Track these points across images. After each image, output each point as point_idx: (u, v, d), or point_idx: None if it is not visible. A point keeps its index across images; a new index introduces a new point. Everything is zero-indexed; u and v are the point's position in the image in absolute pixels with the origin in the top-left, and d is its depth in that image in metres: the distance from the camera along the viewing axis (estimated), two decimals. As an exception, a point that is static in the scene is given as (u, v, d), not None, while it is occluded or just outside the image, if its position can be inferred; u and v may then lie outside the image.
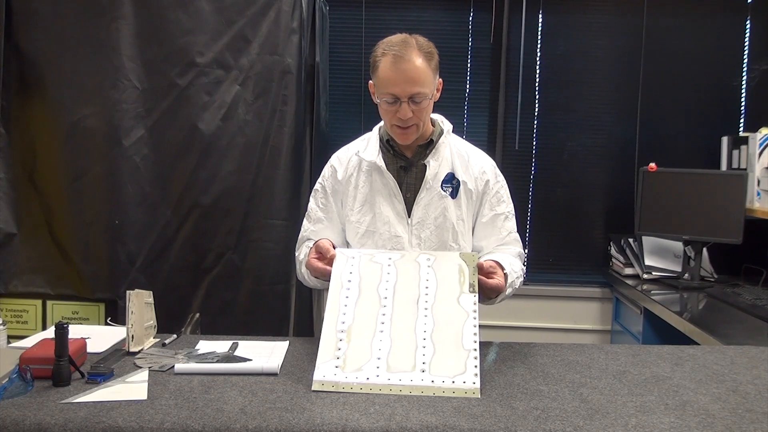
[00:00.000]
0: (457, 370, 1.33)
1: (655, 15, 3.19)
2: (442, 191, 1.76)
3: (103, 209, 2.51)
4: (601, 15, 3.23)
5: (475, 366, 1.34)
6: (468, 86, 3.27)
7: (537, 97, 3.27)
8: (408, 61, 1.63)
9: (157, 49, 2.50)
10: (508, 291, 1.69)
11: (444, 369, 1.34)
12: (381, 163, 1.77)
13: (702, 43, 3.19)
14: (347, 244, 1.83)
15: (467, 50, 3.25)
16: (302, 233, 1.87)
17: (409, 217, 1.76)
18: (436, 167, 1.77)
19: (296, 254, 1.87)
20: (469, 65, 3.26)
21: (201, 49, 2.50)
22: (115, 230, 2.51)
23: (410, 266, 1.56)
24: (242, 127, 2.54)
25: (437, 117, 1.86)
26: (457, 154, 1.82)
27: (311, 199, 1.88)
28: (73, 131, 2.50)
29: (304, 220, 1.88)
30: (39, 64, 2.50)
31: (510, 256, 1.77)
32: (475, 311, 1.45)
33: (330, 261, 1.59)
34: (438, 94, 1.74)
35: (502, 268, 1.62)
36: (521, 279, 1.80)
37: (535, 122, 3.28)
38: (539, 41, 3.24)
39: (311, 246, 1.72)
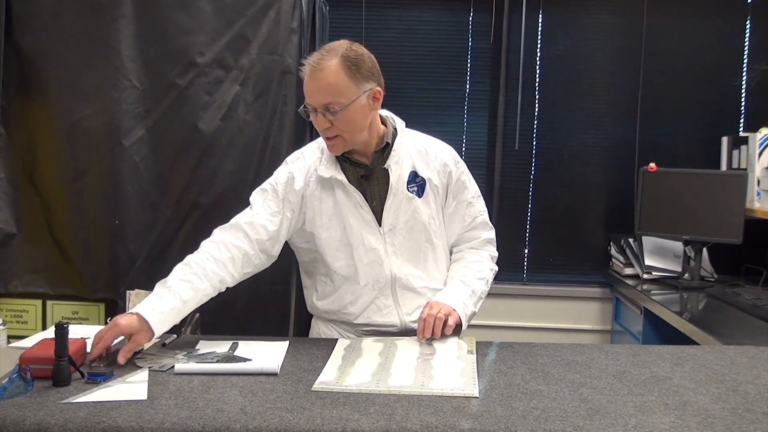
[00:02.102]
0: (455, 383, 1.36)
1: (655, 15, 3.19)
2: (408, 193, 1.74)
3: (103, 209, 2.51)
4: (601, 15, 3.24)
5: (474, 384, 1.35)
6: (468, 86, 3.27)
7: (537, 97, 3.27)
8: (321, 70, 1.59)
9: (157, 49, 2.50)
10: (478, 306, 1.76)
11: (442, 382, 1.36)
12: (341, 176, 1.71)
13: (702, 43, 3.19)
14: (308, 262, 1.87)
15: (467, 50, 3.25)
16: (235, 218, 1.74)
17: (380, 225, 1.74)
18: (398, 170, 1.73)
19: (215, 231, 1.73)
20: (469, 65, 3.26)
21: (201, 49, 2.50)
22: (115, 230, 2.51)
23: (410, 343, 1.62)
24: (242, 127, 2.54)
25: (387, 115, 1.80)
26: (416, 151, 1.78)
27: (255, 195, 1.77)
28: (73, 131, 2.50)
29: (246, 209, 1.76)
30: (39, 64, 2.50)
31: (473, 267, 1.80)
32: (473, 362, 1.48)
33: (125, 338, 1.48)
34: (375, 103, 1.67)
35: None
36: (491, 276, 1.84)
37: (535, 122, 3.28)
38: (539, 41, 3.24)
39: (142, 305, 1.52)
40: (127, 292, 1.55)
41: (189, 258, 1.67)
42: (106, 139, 2.50)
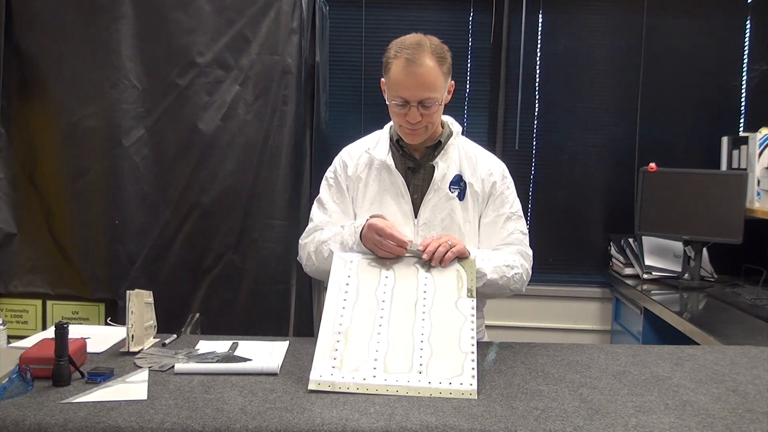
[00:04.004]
0: (454, 371, 1.34)
1: (655, 15, 3.19)
2: (449, 193, 1.76)
3: (103, 209, 2.51)
4: (601, 15, 3.24)
5: (473, 368, 1.34)
6: (468, 86, 3.27)
7: (537, 97, 3.27)
8: (420, 66, 1.62)
9: (157, 49, 2.50)
10: (492, 276, 1.64)
11: (441, 370, 1.34)
12: (390, 161, 1.77)
13: (702, 43, 3.19)
14: None
15: (467, 50, 3.26)
16: (314, 222, 1.83)
17: (415, 218, 1.76)
18: (444, 168, 1.77)
19: (302, 242, 1.82)
20: (469, 65, 3.26)
21: (201, 49, 2.50)
22: (115, 230, 2.51)
23: (408, 270, 1.56)
24: (242, 127, 2.54)
25: (447, 119, 1.85)
26: (465, 156, 1.82)
27: (324, 190, 1.86)
28: (73, 131, 2.50)
29: (316, 210, 1.85)
30: (39, 64, 2.50)
31: (501, 253, 1.75)
32: (472, 315, 1.45)
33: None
34: (449, 96, 1.74)
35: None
36: (519, 273, 1.73)
37: (535, 122, 3.28)
38: (539, 41, 3.24)
39: (363, 222, 1.64)
40: (127, 292, 1.55)
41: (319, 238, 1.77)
42: (106, 139, 2.50)
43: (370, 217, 1.67)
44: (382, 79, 1.73)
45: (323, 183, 1.88)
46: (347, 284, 1.53)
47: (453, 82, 1.73)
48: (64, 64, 2.49)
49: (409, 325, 1.43)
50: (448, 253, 1.57)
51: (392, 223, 1.65)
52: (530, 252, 1.82)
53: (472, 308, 1.47)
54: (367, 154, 1.82)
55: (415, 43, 1.65)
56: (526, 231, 1.84)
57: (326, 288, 1.56)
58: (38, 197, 2.57)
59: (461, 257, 1.59)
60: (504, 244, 1.79)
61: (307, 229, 1.85)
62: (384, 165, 1.78)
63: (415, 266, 1.57)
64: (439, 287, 1.52)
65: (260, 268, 2.57)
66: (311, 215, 1.86)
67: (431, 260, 1.56)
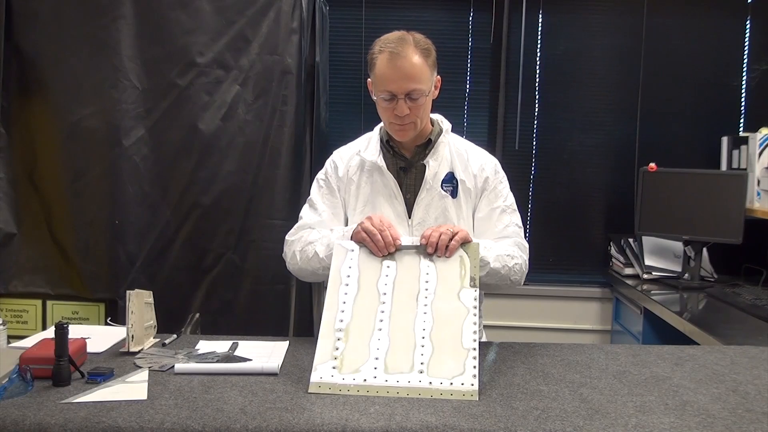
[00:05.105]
0: (455, 370, 1.33)
1: (655, 15, 3.19)
2: (442, 191, 1.76)
3: (103, 209, 2.51)
4: (601, 15, 3.23)
5: (474, 366, 1.33)
6: (468, 86, 3.27)
7: (537, 97, 3.27)
8: (404, 58, 1.63)
9: (157, 49, 2.50)
10: (495, 264, 1.64)
11: (442, 370, 1.33)
12: (382, 163, 1.77)
13: (702, 43, 3.19)
14: None
15: (467, 50, 3.26)
16: (303, 221, 1.82)
17: (409, 218, 1.76)
18: (435, 167, 1.77)
19: (290, 239, 1.81)
20: (469, 65, 3.26)
21: (201, 49, 2.50)
22: (115, 230, 2.51)
23: (410, 259, 1.55)
24: (242, 127, 2.54)
25: (437, 117, 1.85)
26: (456, 153, 1.81)
27: (314, 190, 1.86)
28: (73, 131, 2.50)
29: (306, 209, 1.85)
30: (39, 64, 2.50)
31: (501, 243, 1.74)
32: (475, 307, 1.44)
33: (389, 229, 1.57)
34: (437, 92, 1.74)
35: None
36: (519, 263, 1.72)
37: (535, 122, 3.28)
38: (539, 41, 3.24)
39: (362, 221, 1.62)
40: (127, 292, 1.55)
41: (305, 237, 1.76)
42: (106, 139, 2.50)
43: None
44: (369, 80, 1.73)
45: (314, 184, 1.88)
46: (348, 276, 1.52)
47: (440, 77, 1.74)
48: (64, 64, 2.49)
49: (410, 321, 1.42)
50: (452, 241, 1.55)
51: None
52: (527, 245, 1.82)
53: (475, 299, 1.45)
54: (358, 156, 1.82)
55: (398, 38, 1.67)
56: (521, 224, 1.84)
57: (326, 286, 1.56)
58: (38, 197, 2.57)
59: (465, 242, 1.57)
60: (500, 237, 1.79)
61: (295, 226, 1.84)
62: (375, 166, 1.78)
63: (418, 255, 1.56)
64: (441, 276, 1.51)
65: (260, 268, 2.57)
66: (301, 214, 1.86)
67: (436, 250, 1.55)
